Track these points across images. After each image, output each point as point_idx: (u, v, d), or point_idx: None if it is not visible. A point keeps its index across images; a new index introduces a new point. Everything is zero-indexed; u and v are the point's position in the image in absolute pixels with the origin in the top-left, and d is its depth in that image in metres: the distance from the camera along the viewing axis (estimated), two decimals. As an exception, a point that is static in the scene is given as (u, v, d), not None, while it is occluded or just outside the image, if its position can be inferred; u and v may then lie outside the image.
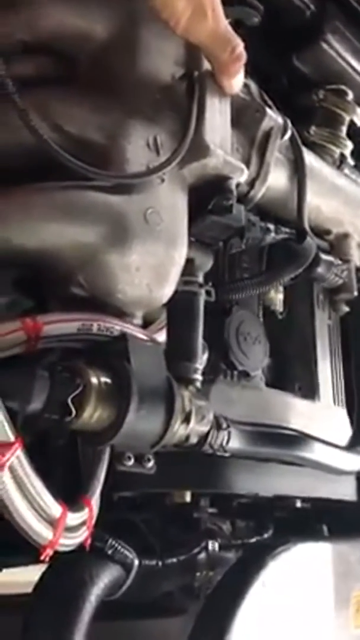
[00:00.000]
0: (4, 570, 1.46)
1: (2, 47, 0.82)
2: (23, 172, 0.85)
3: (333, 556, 1.31)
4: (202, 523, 1.28)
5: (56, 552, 0.80)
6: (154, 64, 0.92)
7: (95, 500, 0.88)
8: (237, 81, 0.96)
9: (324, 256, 1.20)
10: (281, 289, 1.30)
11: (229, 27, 0.90)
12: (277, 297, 1.30)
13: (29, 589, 1.04)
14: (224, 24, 0.89)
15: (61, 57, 0.92)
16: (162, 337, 0.97)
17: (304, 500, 1.37)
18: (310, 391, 1.30)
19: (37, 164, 0.84)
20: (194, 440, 0.90)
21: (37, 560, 1.04)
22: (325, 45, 1.21)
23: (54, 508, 0.78)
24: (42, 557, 0.79)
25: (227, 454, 0.95)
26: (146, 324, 0.94)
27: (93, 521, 0.87)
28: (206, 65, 0.95)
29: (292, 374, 1.31)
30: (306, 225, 1.11)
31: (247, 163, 1.01)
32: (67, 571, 0.99)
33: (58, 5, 0.87)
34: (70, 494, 0.86)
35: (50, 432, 0.95)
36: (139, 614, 1.38)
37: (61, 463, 0.98)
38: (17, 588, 1.37)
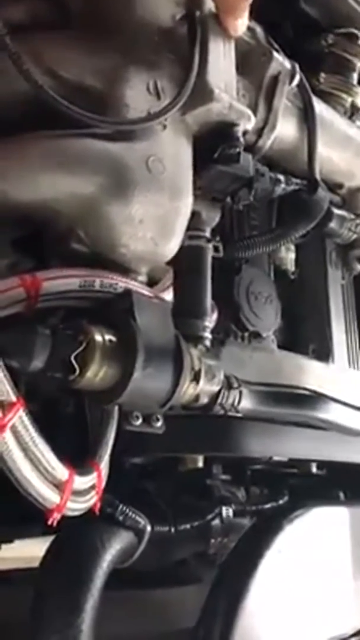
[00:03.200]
0: (17, 544, 1.46)
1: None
2: (19, 122, 0.81)
3: (350, 521, 1.28)
4: (216, 490, 1.25)
5: (65, 517, 0.78)
6: (152, 4, 0.87)
7: (104, 464, 0.85)
8: (242, 22, 0.91)
9: (336, 210, 1.15)
10: (293, 247, 1.26)
11: None
12: (288, 257, 1.26)
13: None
14: None
15: (54, 0, 0.87)
16: (168, 296, 0.93)
17: (319, 466, 1.34)
18: (324, 353, 1.26)
19: (33, 113, 0.80)
20: (204, 400, 0.87)
21: (49, 531, 1.02)
22: (335, -15, 1.14)
23: (60, 471, 0.75)
24: (49, 522, 0.76)
25: (238, 414, 0.92)
26: (151, 284, 0.90)
27: (102, 485, 0.84)
28: (208, 5, 0.90)
29: (305, 335, 1.28)
30: (317, 176, 1.06)
31: (254, 110, 0.96)
32: (78, 538, 0.97)
33: None
34: (79, 458, 0.83)
35: (57, 395, 0.93)
36: (155, 583, 1.37)
37: (70, 428, 0.95)
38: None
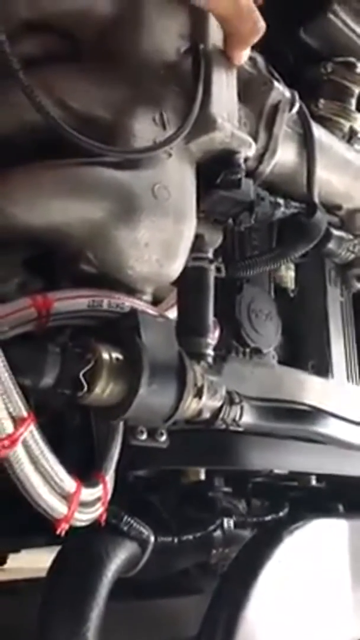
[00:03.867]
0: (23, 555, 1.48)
1: (6, 27, 0.82)
2: (29, 151, 0.85)
3: (350, 533, 1.30)
4: (217, 502, 1.28)
5: (72, 528, 0.81)
6: (158, 39, 0.91)
7: (110, 477, 0.88)
8: (245, 52, 0.96)
9: (334, 231, 1.19)
10: (292, 266, 1.29)
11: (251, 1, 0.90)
12: (288, 275, 1.29)
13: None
14: None
15: (65, 35, 0.92)
16: (172, 314, 0.97)
17: (318, 479, 1.37)
18: (323, 369, 1.30)
19: (44, 142, 0.84)
20: (206, 415, 0.90)
21: (55, 541, 1.05)
22: (333, 17, 1.19)
23: (68, 483, 0.78)
24: (57, 532, 0.79)
25: (240, 429, 0.95)
26: (155, 303, 0.94)
27: (108, 497, 0.87)
28: (211, 38, 0.94)
29: (305, 351, 1.31)
30: (316, 199, 1.10)
31: (255, 137, 1.00)
32: (84, 548, 1.00)
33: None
34: (85, 471, 0.86)
35: (64, 410, 0.96)
36: (158, 593, 1.39)
37: (76, 442, 0.99)
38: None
